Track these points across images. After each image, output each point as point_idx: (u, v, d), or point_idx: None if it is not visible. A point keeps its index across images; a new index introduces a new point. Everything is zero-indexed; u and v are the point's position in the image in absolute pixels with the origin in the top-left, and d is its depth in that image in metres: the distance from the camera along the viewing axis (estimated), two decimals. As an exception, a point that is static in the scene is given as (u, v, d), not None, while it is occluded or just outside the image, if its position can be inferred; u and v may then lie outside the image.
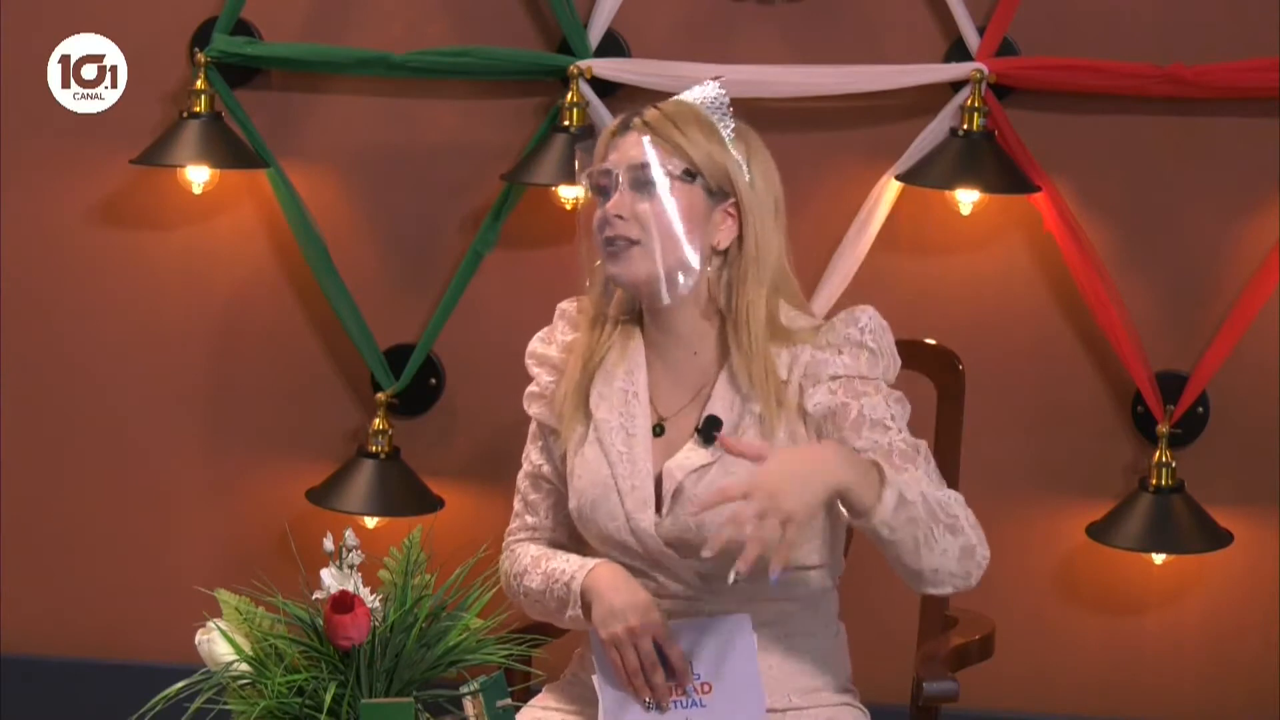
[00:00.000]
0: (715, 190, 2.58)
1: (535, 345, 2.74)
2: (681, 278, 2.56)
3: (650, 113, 2.60)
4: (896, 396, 2.58)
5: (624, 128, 2.60)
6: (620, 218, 2.55)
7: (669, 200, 2.55)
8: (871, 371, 2.57)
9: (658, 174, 2.55)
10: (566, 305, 2.74)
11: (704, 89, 2.63)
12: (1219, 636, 3.66)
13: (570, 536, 2.72)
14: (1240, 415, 3.60)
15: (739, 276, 2.59)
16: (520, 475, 2.76)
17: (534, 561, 2.68)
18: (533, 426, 2.74)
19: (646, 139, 2.56)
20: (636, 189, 2.56)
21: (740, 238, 2.59)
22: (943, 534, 2.46)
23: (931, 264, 3.63)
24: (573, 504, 2.65)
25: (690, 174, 2.57)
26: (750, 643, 2.54)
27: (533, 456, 2.74)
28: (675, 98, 2.64)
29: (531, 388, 2.73)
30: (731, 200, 2.59)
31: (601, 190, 2.59)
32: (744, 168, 2.59)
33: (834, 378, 2.55)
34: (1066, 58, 3.51)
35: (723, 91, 2.63)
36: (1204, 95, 3.48)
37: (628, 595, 2.54)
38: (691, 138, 2.57)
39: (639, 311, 2.66)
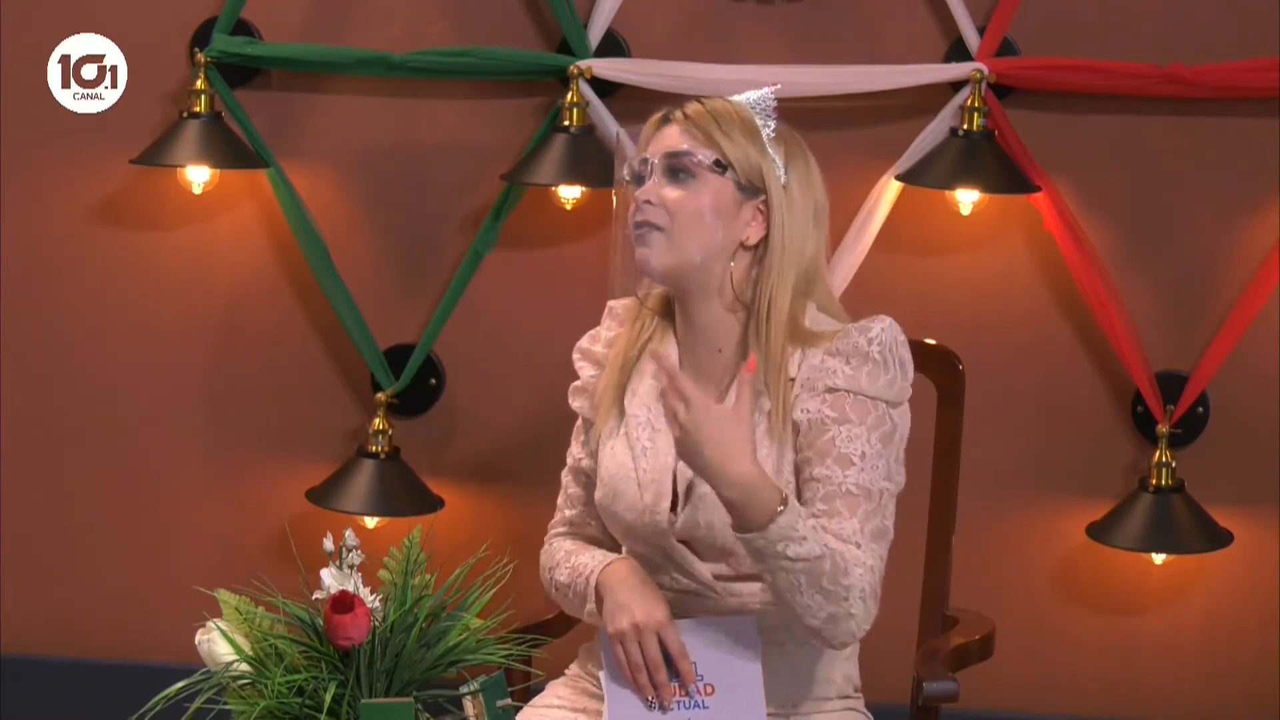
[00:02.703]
0: (747, 185, 2.58)
1: (583, 342, 2.76)
2: (701, 268, 2.56)
3: (691, 106, 2.61)
4: (883, 433, 2.52)
5: (665, 120, 2.62)
6: (649, 203, 2.57)
7: (697, 189, 2.56)
8: (871, 386, 2.52)
9: (688, 162, 2.56)
10: (614, 303, 2.77)
11: (758, 93, 2.64)
12: (1219, 636, 3.66)
13: (605, 530, 2.73)
14: (1240, 415, 3.60)
15: (764, 273, 2.59)
16: (565, 470, 2.77)
17: (565, 556, 2.69)
18: (578, 421, 2.76)
19: (679, 129, 2.58)
20: (668, 176, 2.57)
21: (768, 236, 2.60)
22: (812, 594, 2.43)
23: (931, 264, 3.62)
24: (597, 494, 2.66)
25: (721, 165, 2.57)
26: (755, 646, 2.52)
27: (574, 450, 2.75)
28: (725, 98, 2.65)
29: (576, 383, 2.75)
30: (763, 198, 2.59)
31: (639, 179, 2.61)
32: (779, 167, 2.59)
33: (830, 390, 2.52)
34: (1066, 58, 3.51)
35: (770, 94, 2.63)
36: (1204, 95, 3.48)
37: (637, 592, 2.54)
38: (728, 131, 2.58)
39: (673, 310, 2.66)
